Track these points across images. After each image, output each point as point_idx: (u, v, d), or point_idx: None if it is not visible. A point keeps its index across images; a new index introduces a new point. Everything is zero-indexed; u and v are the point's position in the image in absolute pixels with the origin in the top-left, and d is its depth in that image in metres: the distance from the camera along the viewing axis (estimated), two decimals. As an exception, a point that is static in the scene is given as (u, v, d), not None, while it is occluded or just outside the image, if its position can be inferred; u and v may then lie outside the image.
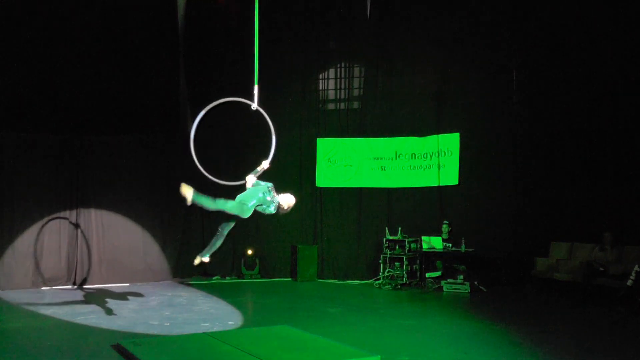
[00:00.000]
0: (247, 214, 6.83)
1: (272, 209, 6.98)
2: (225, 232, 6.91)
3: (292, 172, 12.71)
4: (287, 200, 7.09)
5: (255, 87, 7.51)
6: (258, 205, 6.90)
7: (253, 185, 7.10)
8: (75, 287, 11.07)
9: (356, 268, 12.45)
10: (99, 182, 11.50)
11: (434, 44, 12.26)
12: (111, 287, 11.07)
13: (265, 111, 7.52)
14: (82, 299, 9.81)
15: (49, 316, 8.30)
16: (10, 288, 10.51)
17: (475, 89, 12.05)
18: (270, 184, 7.12)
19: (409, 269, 11.57)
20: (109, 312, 8.59)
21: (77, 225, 11.35)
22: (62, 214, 11.23)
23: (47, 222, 11.08)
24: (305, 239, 12.66)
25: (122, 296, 9.96)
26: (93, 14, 11.42)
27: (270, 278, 12.51)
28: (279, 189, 7.07)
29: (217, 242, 6.91)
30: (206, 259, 6.92)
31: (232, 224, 6.89)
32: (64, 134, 11.31)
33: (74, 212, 11.34)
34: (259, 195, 6.90)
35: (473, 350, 6.57)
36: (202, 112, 7.44)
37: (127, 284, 11.39)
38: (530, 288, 10.86)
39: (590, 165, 10.90)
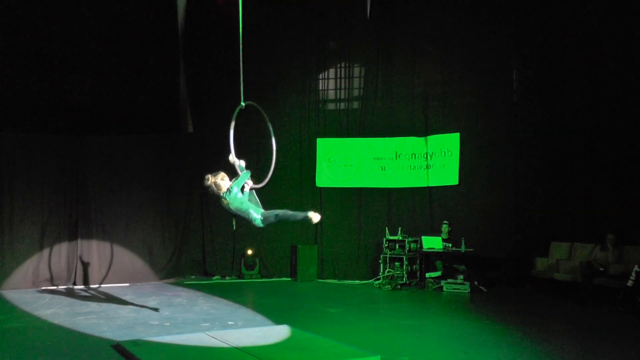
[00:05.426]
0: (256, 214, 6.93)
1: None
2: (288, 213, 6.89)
3: (292, 172, 12.71)
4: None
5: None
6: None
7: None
8: (75, 287, 11.08)
9: (356, 268, 12.44)
10: (99, 182, 11.51)
11: (434, 44, 12.27)
12: (111, 287, 11.08)
13: (266, 111, 7.48)
14: (82, 299, 9.81)
15: (49, 316, 8.29)
16: (10, 288, 10.51)
17: (475, 89, 12.05)
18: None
19: (409, 269, 11.57)
20: (109, 312, 8.59)
21: (76, 225, 11.35)
22: (62, 214, 11.23)
23: (47, 222, 11.09)
24: (305, 239, 12.66)
25: (122, 296, 9.96)
26: (93, 13, 11.43)
27: (270, 278, 12.50)
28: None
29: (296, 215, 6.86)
30: (317, 216, 6.72)
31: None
32: (64, 134, 11.31)
33: (74, 212, 11.35)
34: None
35: (473, 350, 6.56)
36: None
37: (127, 284, 11.39)
38: (530, 288, 10.86)
39: (590, 165, 10.89)
